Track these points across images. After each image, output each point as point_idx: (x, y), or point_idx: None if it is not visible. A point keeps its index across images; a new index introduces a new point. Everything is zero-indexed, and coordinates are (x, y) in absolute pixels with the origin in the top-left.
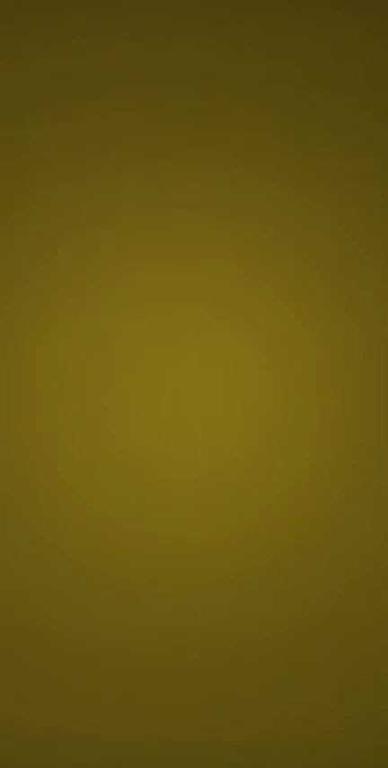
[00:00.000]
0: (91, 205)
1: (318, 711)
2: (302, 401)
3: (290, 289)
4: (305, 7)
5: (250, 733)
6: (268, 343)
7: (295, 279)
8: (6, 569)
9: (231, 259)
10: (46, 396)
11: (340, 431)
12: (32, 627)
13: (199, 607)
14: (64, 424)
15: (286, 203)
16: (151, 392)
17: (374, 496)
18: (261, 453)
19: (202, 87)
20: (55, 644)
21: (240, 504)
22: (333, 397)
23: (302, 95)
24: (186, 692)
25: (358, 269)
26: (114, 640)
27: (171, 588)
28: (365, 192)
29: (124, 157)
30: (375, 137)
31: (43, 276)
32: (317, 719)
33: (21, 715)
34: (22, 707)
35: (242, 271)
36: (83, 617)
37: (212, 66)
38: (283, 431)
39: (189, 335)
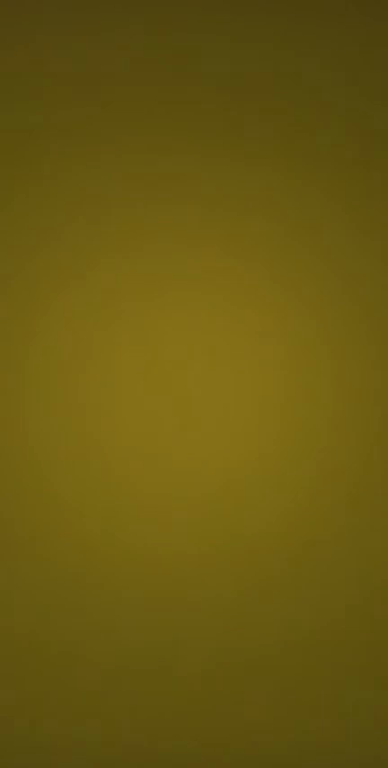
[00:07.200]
0: (90, 199)
1: (320, 725)
2: (307, 424)
3: (295, 289)
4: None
5: (250, 742)
6: (272, 369)
7: (305, 278)
8: (7, 581)
9: (234, 250)
10: (40, 402)
11: (348, 445)
12: (33, 642)
13: (198, 624)
14: (59, 441)
15: (286, 195)
16: (150, 405)
17: (377, 515)
18: (264, 471)
19: (202, 77)
20: (56, 657)
21: (240, 524)
22: (338, 410)
23: (303, 82)
24: (182, 706)
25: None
26: (114, 654)
27: (171, 605)
28: (370, 183)
29: (124, 144)
30: (377, 124)
31: (42, 275)
32: (319, 732)
33: (21, 721)
34: (23, 712)
35: (249, 266)
36: (84, 631)
37: (212, 56)
38: (286, 451)
39: (190, 339)
